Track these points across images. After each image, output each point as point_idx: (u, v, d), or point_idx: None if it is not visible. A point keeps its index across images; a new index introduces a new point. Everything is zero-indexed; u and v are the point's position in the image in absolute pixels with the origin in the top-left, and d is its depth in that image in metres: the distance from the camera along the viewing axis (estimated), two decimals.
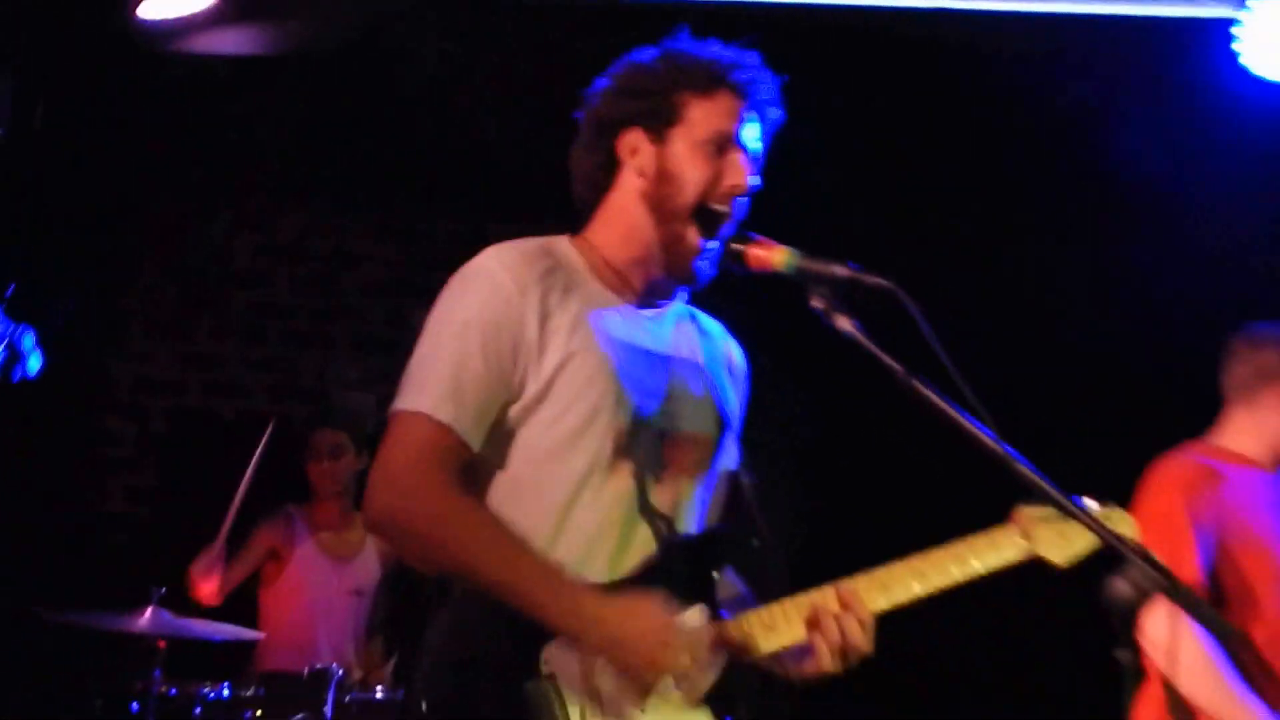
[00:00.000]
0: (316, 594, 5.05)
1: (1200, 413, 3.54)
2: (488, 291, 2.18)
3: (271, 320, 6.13)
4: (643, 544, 2.25)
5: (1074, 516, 1.95)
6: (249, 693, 4.44)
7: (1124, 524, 2.13)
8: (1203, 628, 3.12)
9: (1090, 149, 4.89)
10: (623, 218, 2.33)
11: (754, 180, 2.27)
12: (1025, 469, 1.92)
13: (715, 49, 2.30)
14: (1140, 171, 4.72)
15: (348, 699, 4.34)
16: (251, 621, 4.94)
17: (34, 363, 3.24)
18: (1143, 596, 1.89)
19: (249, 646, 4.94)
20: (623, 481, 2.23)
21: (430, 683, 2.13)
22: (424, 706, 2.11)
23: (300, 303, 6.08)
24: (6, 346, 3.09)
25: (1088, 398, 4.70)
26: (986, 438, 1.95)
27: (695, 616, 2.19)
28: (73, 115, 4.99)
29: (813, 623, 2.12)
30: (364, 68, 4.99)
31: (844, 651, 2.09)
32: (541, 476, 2.20)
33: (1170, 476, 3.34)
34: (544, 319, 2.19)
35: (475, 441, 2.14)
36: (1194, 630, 3.14)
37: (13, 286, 3.23)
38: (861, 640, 2.09)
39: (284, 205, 6.08)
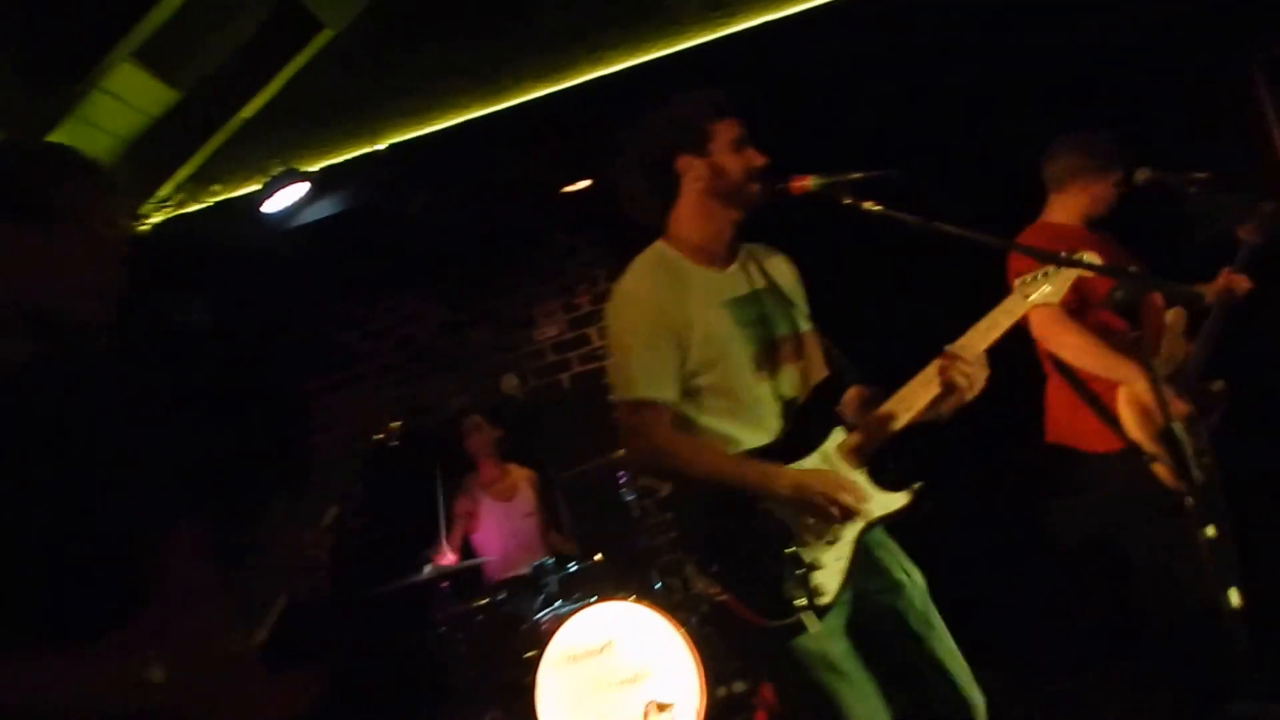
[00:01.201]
0: (503, 526, 6.10)
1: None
2: (642, 303, 2.67)
3: (388, 376, 7.15)
4: (785, 414, 2.71)
5: (1061, 263, 2.57)
6: (501, 595, 5.46)
7: (1092, 256, 2.61)
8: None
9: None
10: (698, 210, 2.76)
11: (764, 158, 2.73)
12: (1021, 246, 2.67)
13: (705, 91, 2.77)
14: None
15: (561, 576, 5.31)
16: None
17: None
18: (1134, 294, 2.49)
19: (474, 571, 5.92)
20: (762, 385, 2.69)
21: (693, 529, 2.61)
22: (693, 543, 2.58)
23: (395, 360, 7.12)
24: None
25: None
26: (993, 237, 2.51)
27: (839, 436, 2.66)
28: (244, 289, 5.91)
29: (944, 374, 2.55)
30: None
31: (973, 382, 2.56)
32: (720, 399, 2.65)
33: (1036, 242, 3.84)
34: (680, 305, 2.65)
35: (675, 395, 2.61)
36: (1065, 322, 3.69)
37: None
38: (981, 374, 2.56)
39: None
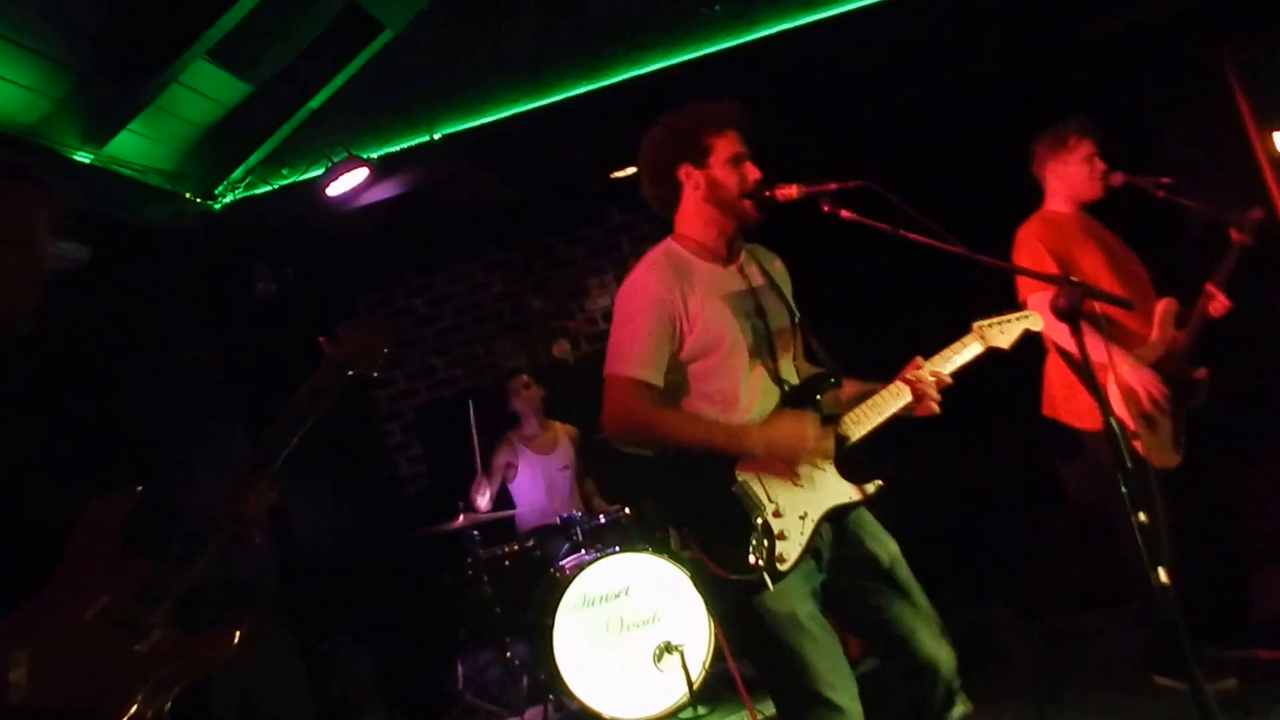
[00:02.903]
0: (541, 477, 6.17)
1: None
2: (648, 294, 2.72)
3: (448, 338, 7.34)
4: (776, 398, 2.78)
5: (1009, 270, 2.85)
6: (530, 543, 5.60)
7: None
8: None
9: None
10: (698, 215, 2.84)
11: (758, 174, 2.80)
12: (984, 257, 2.53)
13: (712, 104, 2.83)
14: None
15: (588, 527, 5.37)
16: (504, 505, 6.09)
17: None
18: (1073, 301, 2.39)
19: (510, 520, 6.07)
20: (759, 371, 2.77)
21: (664, 496, 2.70)
22: (670, 511, 2.66)
23: (458, 323, 7.33)
24: None
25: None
26: (959, 247, 2.52)
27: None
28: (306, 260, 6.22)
29: (914, 390, 2.71)
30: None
31: (940, 390, 2.72)
32: (715, 385, 2.72)
33: (1032, 231, 4.01)
34: (685, 298, 2.72)
35: (658, 381, 2.69)
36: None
37: None
38: (943, 382, 2.74)
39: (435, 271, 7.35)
